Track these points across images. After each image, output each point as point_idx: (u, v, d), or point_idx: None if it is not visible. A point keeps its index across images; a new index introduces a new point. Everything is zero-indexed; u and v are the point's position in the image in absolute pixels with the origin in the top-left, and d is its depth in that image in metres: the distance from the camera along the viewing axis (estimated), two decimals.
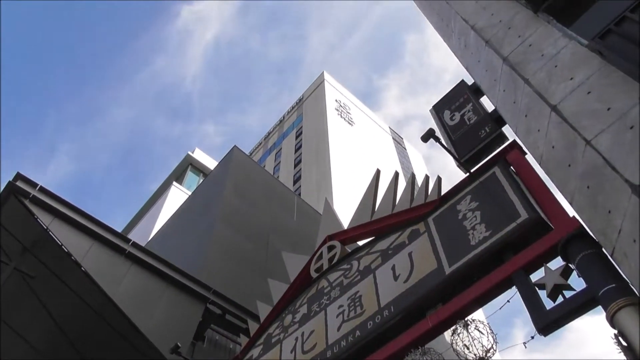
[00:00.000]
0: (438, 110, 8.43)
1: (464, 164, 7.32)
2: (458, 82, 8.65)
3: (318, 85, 64.59)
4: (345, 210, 37.86)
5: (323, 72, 66.76)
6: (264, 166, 56.81)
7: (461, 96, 8.16)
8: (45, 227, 8.09)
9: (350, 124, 58.24)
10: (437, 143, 7.32)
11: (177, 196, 30.44)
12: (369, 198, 9.08)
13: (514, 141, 7.00)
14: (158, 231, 17.38)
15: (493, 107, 7.50)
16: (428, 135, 7.20)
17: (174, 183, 32.69)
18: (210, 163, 37.48)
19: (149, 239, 18.35)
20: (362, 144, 55.53)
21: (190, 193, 25.18)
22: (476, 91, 8.05)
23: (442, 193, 7.55)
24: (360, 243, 8.75)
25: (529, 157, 6.70)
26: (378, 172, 9.56)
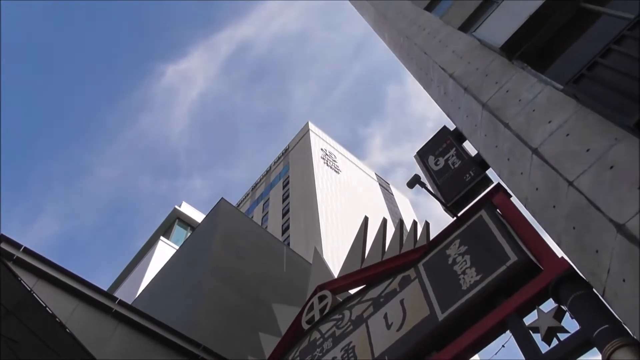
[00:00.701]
0: (422, 156, 8.54)
1: (450, 208, 7.36)
2: (440, 128, 8.80)
3: (303, 135, 65.42)
4: (335, 259, 37.57)
5: (308, 122, 67.75)
6: (252, 217, 56.56)
7: (444, 142, 8.29)
8: (29, 289, 7.89)
9: (336, 171, 58.67)
10: (423, 188, 7.36)
11: (164, 251, 30.02)
12: (358, 246, 9.03)
13: (499, 184, 7.06)
14: (145, 288, 17.04)
15: (476, 152, 7.62)
16: (414, 181, 7.26)
17: (161, 238, 32.27)
18: (198, 216, 37.20)
19: (136, 296, 17.96)
20: (349, 191, 55.77)
21: (177, 247, 24.88)
22: (458, 136, 8.18)
23: (431, 238, 7.54)
24: (352, 292, 8.66)
25: (514, 200, 6.75)
26: (366, 219, 9.57)
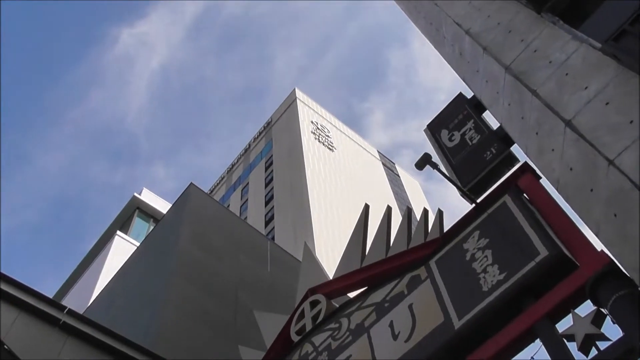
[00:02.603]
0: (434, 129, 8.56)
1: (468, 193, 7.41)
2: (455, 96, 8.81)
3: (289, 105, 65.19)
4: (330, 256, 37.71)
5: (294, 90, 67.46)
6: (228, 206, 56.61)
7: (460, 112, 8.31)
8: None
9: (330, 149, 58.75)
10: (435, 170, 7.39)
11: (122, 248, 29.99)
12: (358, 239, 9.09)
13: (526, 163, 7.10)
14: (100, 293, 17.05)
15: (498, 124, 7.65)
16: (423, 162, 7.28)
17: (118, 232, 32.18)
18: (162, 206, 37.07)
19: (89, 304, 17.98)
20: (346, 172, 55.92)
21: (138, 243, 24.80)
22: (477, 106, 8.20)
23: (445, 229, 7.58)
24: (350, 295, 8.72)
25: (544, 182, 6.80)
26: (367, 207, 9.60)
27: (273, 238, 41.74)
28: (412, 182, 71.90)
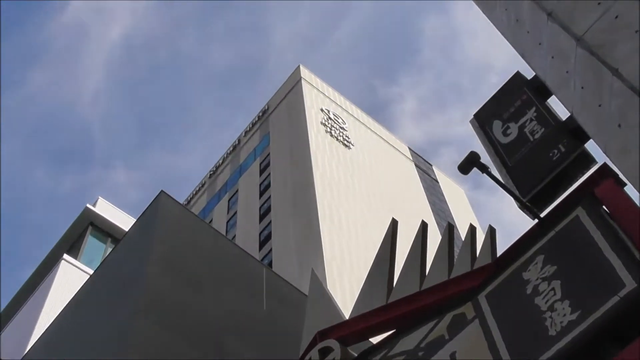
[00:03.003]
0: (483, 120, 8.62)
1: (529, 205, 7.39)
2: (512, 75, 8.86)
3: (292, 88, 65.36)
4: (346, 288, 37.63)
5: (299, 68, 67.55)
6: (211, 221, 56.83)
7: (518, 97, 8.34)
8: None
9: (346, 145, 58.89)
10: (484, 174, 7.39)
11: (70, 276, 30.07)
12: (383, 267, 9.11)
13: (605, 165, 7.07)
14: (42, 335, 17.09)
15: (568, 113, 7.67)
16: (469, 163, 7.30)
17: (65, 256, 32.24)
18: (123, 221, 37.09)
19: (27, 349, 18.05)
20: (367, 176, 56.06)
21: (92, 270, 24.80)
22: (540, 89, 8.20)
23: (499, 253, 7.59)
24: (373, 341, 8.71)
25: (630, 189, 6.75)
26: (394, 223, 9.63)
27: (270, 264, 41.83)
28: (454, 190, 72.04)
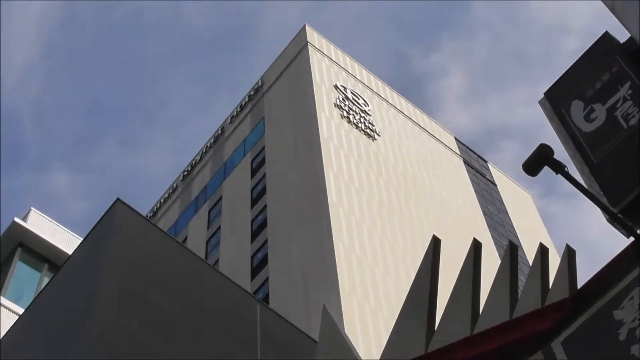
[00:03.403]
0: (558, 100, 8.65)
1: (621, 218, 7.54)
2: (598, 37, 8.82)
3: (295, 56, 65.60)
4: (368, 330, 37.50)
5: (304, 28, 67.75)
6: (185, 240, 57.07)
7: (607, 68, 8.28)
8: None
9: (370, 135, 59.05)
10: (559, 174, 7.45)
11: None
12: (421, 300, 9.18)
13: None
14: None
15: None
16: (539, 160, 7.31)
17: None
18: (65, 240, 37.15)
19: None
20: (397, 177, 56.12)
21: (21, 309, 24.77)
22: (637, 56, 8.09)
23: (580, 284, 7.63)
24: None
25: None
26: (436, 241, 9.66)
27: (266, 298, 41.82)
28: (518, 195, 72.46)
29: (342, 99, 60.34)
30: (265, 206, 51.95)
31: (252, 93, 69.01)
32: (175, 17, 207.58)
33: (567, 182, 7.41)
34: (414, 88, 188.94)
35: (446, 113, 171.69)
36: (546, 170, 7.43)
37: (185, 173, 71.33)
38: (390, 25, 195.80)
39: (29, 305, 18.52)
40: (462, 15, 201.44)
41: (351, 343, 10.19)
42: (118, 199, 15.86)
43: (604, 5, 8.82)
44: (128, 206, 16.01)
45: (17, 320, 17.37)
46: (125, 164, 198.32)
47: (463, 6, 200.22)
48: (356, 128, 58.34)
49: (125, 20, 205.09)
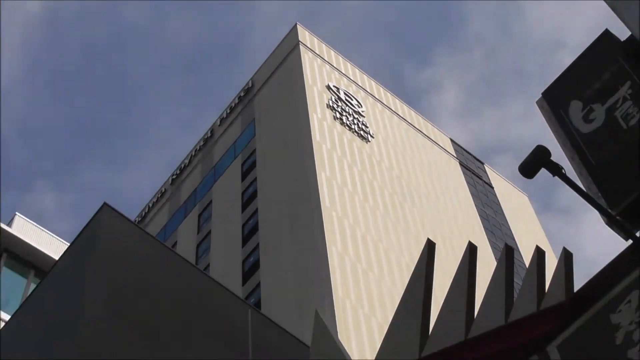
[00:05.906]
0: (556, 100, 8.65)
1: (620, 220, 7.54)
2: (599, 35, 8.80)
3: (286, 56, 65.69)
4: (362, 335, 37.49)
5: (296, 28, 67.82)
6: (175, 245, 57.00)
7: (606, 67, 8.27)
8: None
9: (363, 137, 59.08)
10: (556, 177, 7.47)
11: None
12: (415, 305, 9.17)
13: None
14: None
15: None
16: (536, 162, 7.33)
17: None
18: (51, 246, 37.10)
19: None
20: (392, 179, 56.14)
21: (8, 316, 24.71)
22: (637, 55, 8.08)
23: (576, 287, 7.70)
24: None
25: None
26: (431, 246, 9.65)
27: (258, 304, 41.79)
28: (515, 198, 72.46)
29: (335, 99, 60.30)
30: (256, 210, 51.89)
31: (242, 94, 68.75)
32: (159, 28, 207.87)
33: (566, 185, 7.43)
34: (407, 102, 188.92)
35: (440, 127, 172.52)
36: (543, 172, 7.46)
37: (174, 176, 71.06)
38: (384, 39, 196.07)
39: (16, 311, 18.53)
40: (458, 30, 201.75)
41: (343, 348, 10.20)
42: (105, 204, 15.83)
43: (600, 20, 8.90)
44: (115, 210, 16.00)
45: (3, 327, 17.38)
46: (112, 180, 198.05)
47: (459, 22, 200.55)
48: (349, 130, 58.33)
49: (108, 35, 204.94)
